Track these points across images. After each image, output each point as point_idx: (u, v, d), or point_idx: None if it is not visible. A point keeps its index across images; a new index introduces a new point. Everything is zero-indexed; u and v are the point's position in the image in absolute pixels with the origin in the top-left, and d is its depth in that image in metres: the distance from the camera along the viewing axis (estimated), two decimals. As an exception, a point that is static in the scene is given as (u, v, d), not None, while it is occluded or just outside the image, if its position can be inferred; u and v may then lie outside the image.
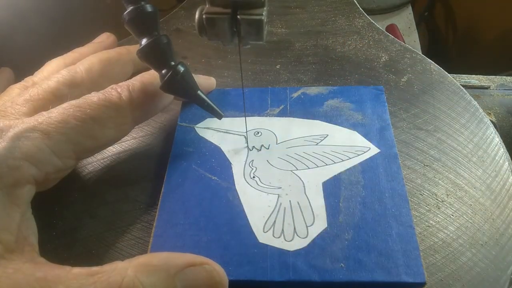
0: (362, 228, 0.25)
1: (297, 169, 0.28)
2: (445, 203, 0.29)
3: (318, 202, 0.26)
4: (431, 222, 0.28)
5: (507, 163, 0.31)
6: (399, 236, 0.24)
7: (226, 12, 0.22)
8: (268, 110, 0.33)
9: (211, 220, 0.26)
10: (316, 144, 0.30)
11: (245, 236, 0.25)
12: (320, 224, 0.25)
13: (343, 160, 0.28)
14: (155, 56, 0.25)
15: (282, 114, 0.32)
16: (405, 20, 0.84)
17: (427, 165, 0.31)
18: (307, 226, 0.25)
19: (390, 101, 0.35)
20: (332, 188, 0.27)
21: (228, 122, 0.32)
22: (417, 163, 0.31)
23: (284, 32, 0.43)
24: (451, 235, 0.27)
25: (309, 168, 0.28)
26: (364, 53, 0.40)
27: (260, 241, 0.24)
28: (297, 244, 0.24)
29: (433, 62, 0.38)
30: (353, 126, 0.31)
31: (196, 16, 0.22)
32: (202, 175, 0.28)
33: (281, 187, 0.27)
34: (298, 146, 0.30)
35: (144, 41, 0.24)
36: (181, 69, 0.25)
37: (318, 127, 0.31)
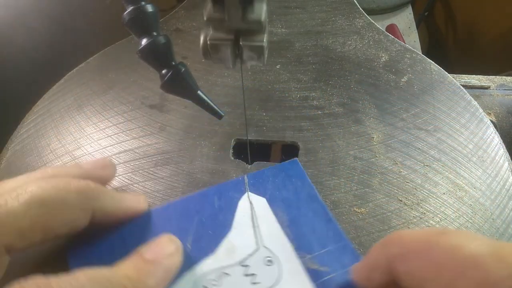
0: None
1: None
2: (445, 203, 0.29)
3: None
4: (431, 222, 0.28)
5: (507, 163, 0.31)
6: None
7: (229, 38, 0.22)
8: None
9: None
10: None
11: None
12: None
13: None
14: (155, 56, 0.25)
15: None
16: (405, 20, 0.84)
17: (427, 165, 0.31)
18: None
19: (390, 101, 0.35)
20: None
21: (267, 222, 0.27)
22: (417, 163, 0.31)
23: (284, 32, 0.43)
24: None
25: None
26: (364, 53, 0.40)
27: None
28: None
29: (433, 62, 0.38)
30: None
31: (201, 40, 0.23)
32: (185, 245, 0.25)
33: None
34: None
35: (144, 41, 0.24)
36: (181, 69, 0.25)
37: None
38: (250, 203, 0.27)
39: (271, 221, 0.26)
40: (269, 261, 0.24)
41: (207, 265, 0.24)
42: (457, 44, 0.92)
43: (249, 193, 0.28)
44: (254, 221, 0.26)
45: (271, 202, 0.27)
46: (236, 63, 0.24)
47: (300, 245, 0.25)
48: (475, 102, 0.35)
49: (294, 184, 0.28)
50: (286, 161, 0.30)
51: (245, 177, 0.29)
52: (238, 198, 0.28)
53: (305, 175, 0.29)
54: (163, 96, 0.37)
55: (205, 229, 0.26)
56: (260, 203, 0.27)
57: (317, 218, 0.27)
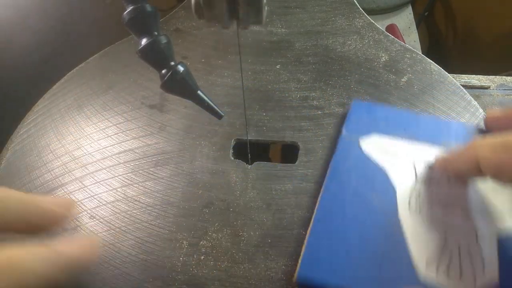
0: None
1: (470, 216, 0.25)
2: (445, 203, 0.29)
3: (491, 255, 0.23)
4: (431, 222, 0.28)
5: (507, 163, 0.31)
6: None
7: None
8: (444, 142, 0.30)
9: (369, 249, 0.24)
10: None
11: (406, 270, 0.23)
12: (490, 277, 0.22)
13: None
14: (155, 56, 0.25)
15: None
16: (405, 20, 0.84)
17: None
18: (475, 276, 0.23)
19: (390, 101, 0.35)
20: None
21: (396, 144, 0.30)
22: (417, 163, 0.31)
23: (284, 32, 0.43)
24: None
25: (484, 217, 0.25)
26: (364, 53, 0.40)
27: (422, 278, 0.23)
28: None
29: (433, 62, 0.38)
30: None
31: None
32: (363, 198, 0.27)
33: (446, 231, 0.25)
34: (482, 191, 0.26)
35: (144, 41, 0.24)
36: (181, 69, 0.25)
37: None
38: (375, 143, 0.30)
39: (401, 143, 0.30)
40: (430, 166, 0.28)
41: (401, 199, 0.27)
42: (457, 44, 0.92)
43: (361, 139, 0.30)
44: (393, 154, 0.29)
45: (382, 132, 0.31)
46: (232, 23, 0.23)
47: (433, 141, 0.30)
48: (475, 102, 0.35)
49: (376, 112, 0.32)
50: (351, 108, 0.33)
51: (345, 133, 0.31)
52: (361, 152, 0.30)
53: (373, 104, 0.34)
54: (163, 96, 0.37)
55: (369, 184, 0.28)
56: (379, 141, 0.30)
57: (417, 120, 0.32)
